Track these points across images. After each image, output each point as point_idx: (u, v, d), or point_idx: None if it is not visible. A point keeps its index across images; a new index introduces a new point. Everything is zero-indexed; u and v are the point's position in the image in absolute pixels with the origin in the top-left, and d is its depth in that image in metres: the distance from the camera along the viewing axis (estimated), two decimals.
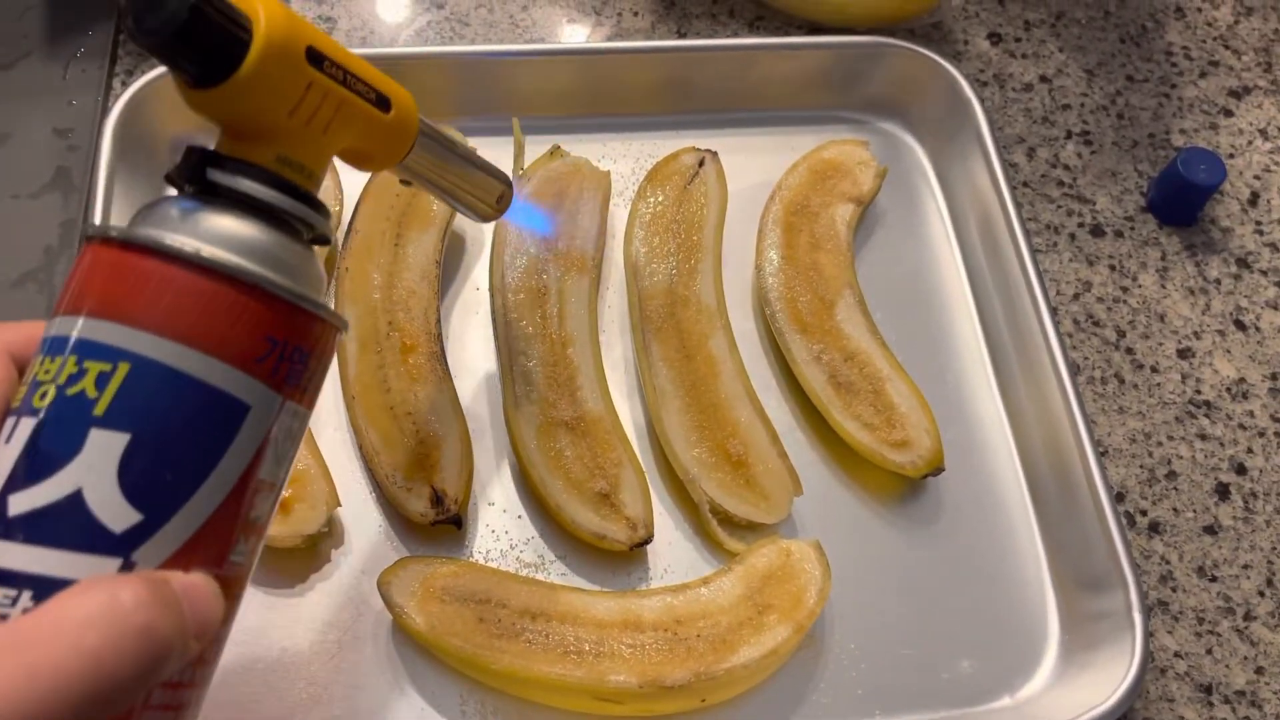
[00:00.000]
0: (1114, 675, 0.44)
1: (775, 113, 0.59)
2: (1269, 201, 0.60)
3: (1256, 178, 0.61)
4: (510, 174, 0.53)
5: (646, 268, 0.51)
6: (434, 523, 0.45)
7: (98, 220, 0.49)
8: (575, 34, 0.61)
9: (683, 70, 0.58)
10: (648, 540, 0.45)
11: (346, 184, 0.53)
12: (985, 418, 0.52)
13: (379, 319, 0.49)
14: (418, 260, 0.50)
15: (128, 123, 0.51)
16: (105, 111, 0.54)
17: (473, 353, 0.51)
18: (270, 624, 0.44)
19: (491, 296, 0.50)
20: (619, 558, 0.47)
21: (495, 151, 0.54)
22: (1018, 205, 0.54)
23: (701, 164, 0.54)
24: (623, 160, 0.57)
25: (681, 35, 0.62)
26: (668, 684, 0.42)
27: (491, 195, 0.43)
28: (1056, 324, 0.51)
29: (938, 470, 0.48)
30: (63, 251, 0.51)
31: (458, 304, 0.52)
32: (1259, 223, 0.59)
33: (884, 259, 0.56)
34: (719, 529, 0.47)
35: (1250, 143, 0.62)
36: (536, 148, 0.54)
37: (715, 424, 0.47)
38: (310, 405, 0.32)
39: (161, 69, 0.52)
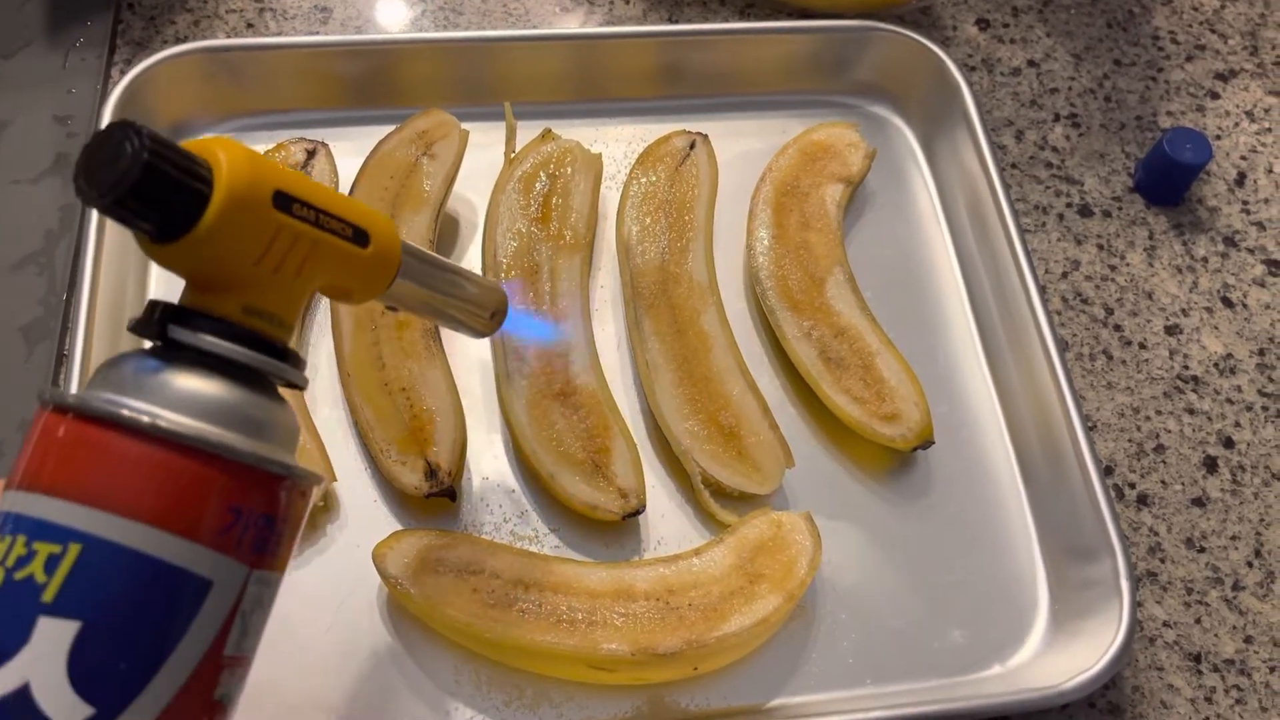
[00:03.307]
0: (1102, 642, 0.44)
1: (765, 97, 0.60)
2: (1255, 182, 0.60)
3: (1243, 158, 0.61)
4: (502, 158, 0.54)
5: (639, 246, 0.51)
6: (428, 495, 0.46)
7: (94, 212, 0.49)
8: (567, 21, 0.62)
9: (674, 55, 0.59)
10: (640, 510, 0.46)
11: (341, 167, 0.54)
12: (974, 394, 0.53)
13: None
14: (412, 239, 0.50)
15: (126, 110, 0.52)
16: (104, 99, 0.55)
17: None
18: None
19: (484, 273, 0.51)
20: (611, 530, 0.47)
21: (490, 136, 0.55)
22: (1006, 186, 0.54)
23: (693, 146, 0.54)
24: (614, 144, 0.58)
25: (673, 22, 0.62)
26: (660, 652, 0.42)
27: (485, 310, 0.40)
28: (1045, 302, 0.51)
29: (927, 443, 0.49)
30: (62, 235, 0.51)
31: None
32: (1245, 202, 0.60)
33: (874, 239, 0.56)
34: (711, 500, 0.47)
35: (1237, 124, 0.62)
36: (528, 132, 0.55)
37: (707, 397, 0.48)
38: (282, 568, 0.30)
39: (160, 54, 0.53)
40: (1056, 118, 0.62)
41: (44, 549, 0.26)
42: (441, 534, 0.45)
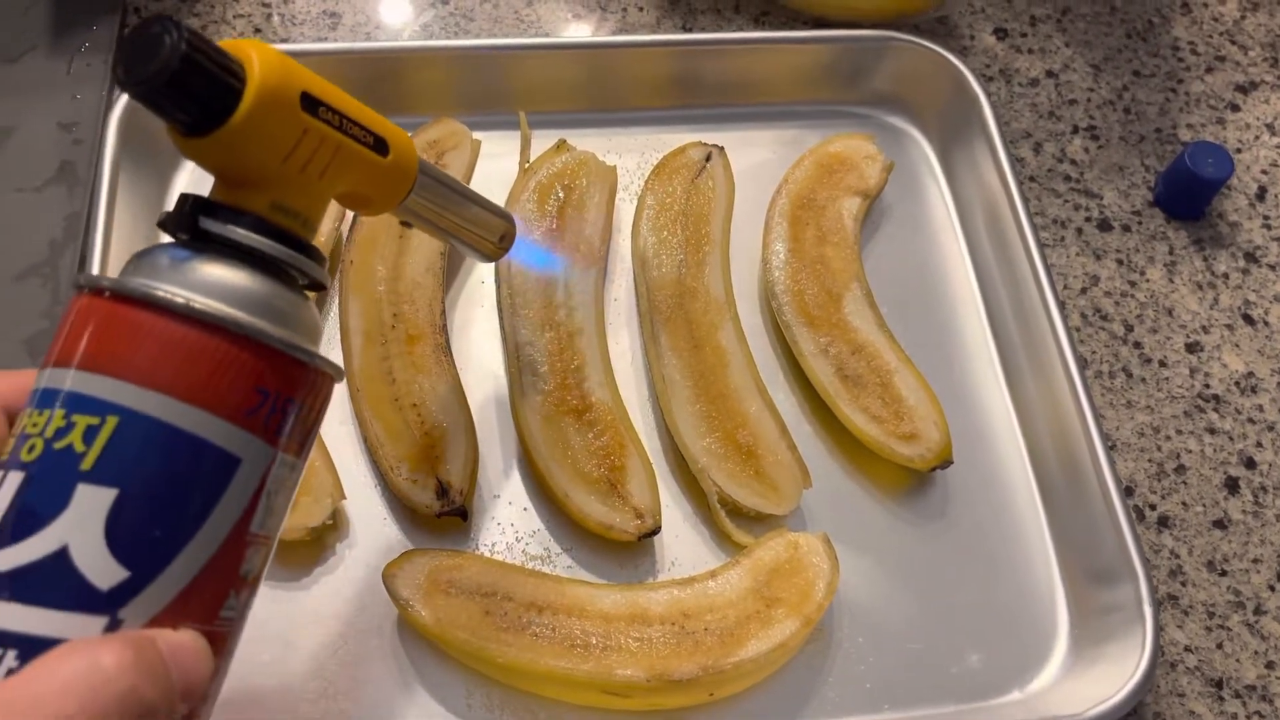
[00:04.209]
0: (1124, 669, 0.43)
1: (781, 107, 0.59)
2: (1277, 196, 0.60)
3: (1264, 172, 0.60)
4: (514, 168, 0.53)
5: (655, 259, 0.51)
6: (439, 514, 0.45)
7: (100, 215, 0.48)
8: (580, 30, 0.61)
9: (688, 65, 0.58)
10: (655, 530, 0.45)
11: None
12: (993, 411, 0.52)
13: (384, 311, 0.48)
14: (423, 253, 0.50)
15: (132, 117, 0.51)
16: (109, 106, 0.54)
17: (478, 346, 0.51)
18: (274, 616, 0.44)
19: (498, 286, 0.50)
20: (626, 550, 0.47)
21: (501, 145, 0.54)
22: (1025, 199, 0.54)
23: (709, 158, 0.54)
24: (628, 155, 0.57)
25: (687, 30, 0.61)
26: (675, 678, 0.41)
27: (494, 234, 0.42)
28: (1065, 318, 0.51)
29: (946, 463, 0.48)
30: (67, 244, 0.50)
31: (462, 297, 0.52)
32: (1267, 217, 0.59)
33: (891, 253, 0.56)
34: (727, 520, 0.46)
35: (1257, 137, 0.62)
36: (542, 142, 0.54)
37: (724, 414, 0.47)
38: (304, 456, 0.31)
39: None
40: (1075, 130, 0.61)
41: (82, 420, 0.27)
42: (453, 554, 0.44)
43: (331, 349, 0.49)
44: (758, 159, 0.57)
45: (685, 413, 0.47)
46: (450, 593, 0.43)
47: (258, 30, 0.59)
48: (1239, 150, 0.61)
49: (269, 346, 0.29)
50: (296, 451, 0.30)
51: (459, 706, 0.43)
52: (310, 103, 0.30)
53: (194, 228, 0.29)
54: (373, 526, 0.46)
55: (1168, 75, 0.63)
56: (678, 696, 0.42)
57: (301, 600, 0.44)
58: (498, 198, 0.52)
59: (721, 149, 0.54)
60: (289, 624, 0.44)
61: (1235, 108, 0.63)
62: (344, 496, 0.45)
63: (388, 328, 0.48)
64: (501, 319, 0.50)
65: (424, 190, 0.37)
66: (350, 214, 0.51)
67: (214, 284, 0.29)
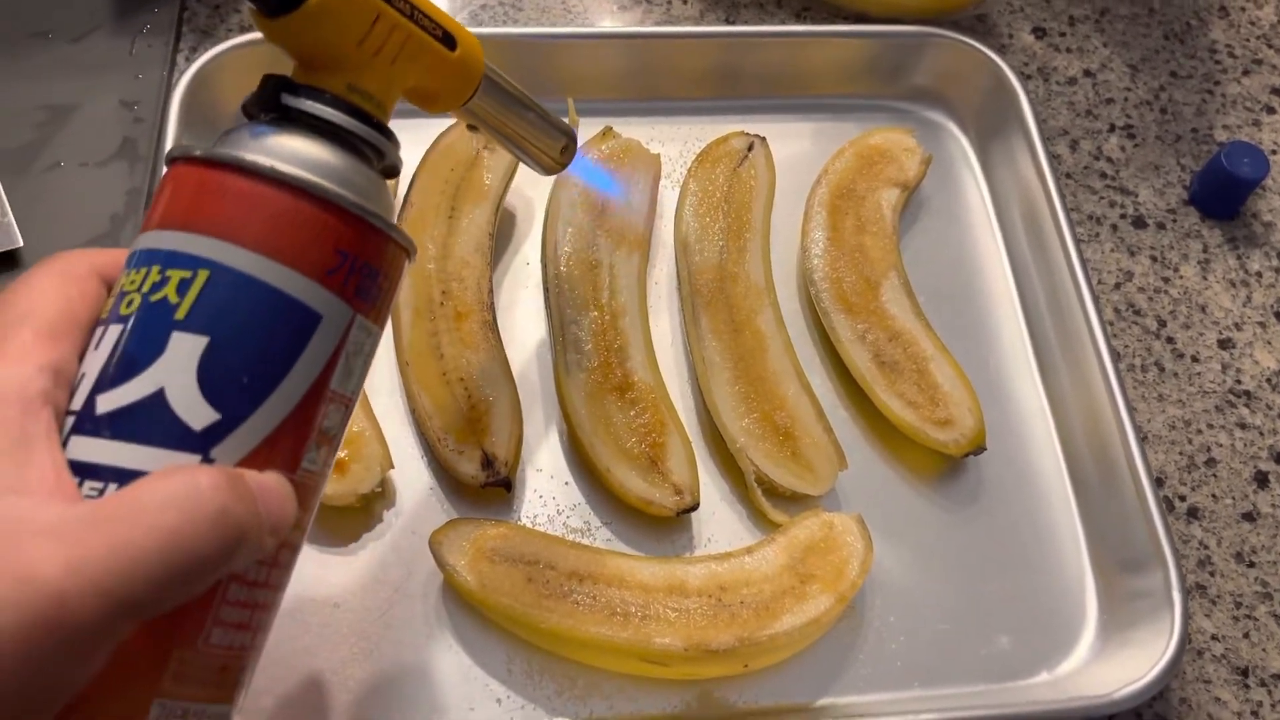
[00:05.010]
0: (1152, 653, 0.44)
1: (821, 100, 0.60)
2: None
3: None
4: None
5: (697, 244, 0.52)
6: (484, 485, 0.46)
7: None
8: (624, 21, 0.62)
9: (732, 56, 0.59)
10: (694, 507, 0.46)
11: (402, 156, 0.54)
12: (1026, 401, 0.53)
13: (433, 288, 0.50)
14: (471, 232, 0.51)
15: (193, 96, 0.53)
16: (170, 85, 0.55)
17: (522, 324, 0.52)
18: (323, 580, 0.45)
19: (544, 267, 0.51)
20: (663, 526, 0.48)
21: None
22: (1061, 195, 0.54)
23: (751, 148, 0.55)
24: (670, 143, 0.58)
25: (729, 23, 0.63)
26: (712, 648, 0.43)
27: (555, 147, 0.44)
28: (1099, 312, 0.51)
29: (979, 449, 0.49)
30: (128, 218, 0.52)
31: (507, 277, 0.53)
32: None
33: (928, 245, 0.57)
34: (763, 499, 0.47)
35: None
36: (586, 129, 0.55)
37: (763, 396, 0.48)
38: (380, 324, 0.33)
39: (227, 44, 0.54)
40: (1112, 128, 0.62)
41: (176, 274, 0.29)
42: (497, 524, 0.45)
43: None
44: (798, 150, 0.58)
45: (725, 394, 0.49)
46: (495, 560, 0.44)
47: None
48: (1274, 152, 0.62)
49: (348, 211, 0.30)
50: (373, 317, 0.32)
51: (500, 672, 0.44)
52: None
53: (277, 104, 0.31)
54: (419, 496, 0.48)
55: (1204, 77, 0.64)
56: (714, 666, 0.43)
57: (350, 565, 0.46)
58: (542, 182, 0.54)
59: (763, 139, 0.55)
60: (338, 588, 0.45)
61: (1271, 110, 0.63)
62: (392, 465, 0.47)
63: (437, 304, 0.49)
64: (547, 298, 0.51)
65: (489, 92, 0.38)
66: (400, 195, 0.53)
67: (297, 153, 0.31)
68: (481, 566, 0.44)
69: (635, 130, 0.56)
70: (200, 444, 0.28)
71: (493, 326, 0.49)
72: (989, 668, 0.46)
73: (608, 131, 0.55)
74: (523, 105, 0.41)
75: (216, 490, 0.26)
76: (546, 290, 0.51)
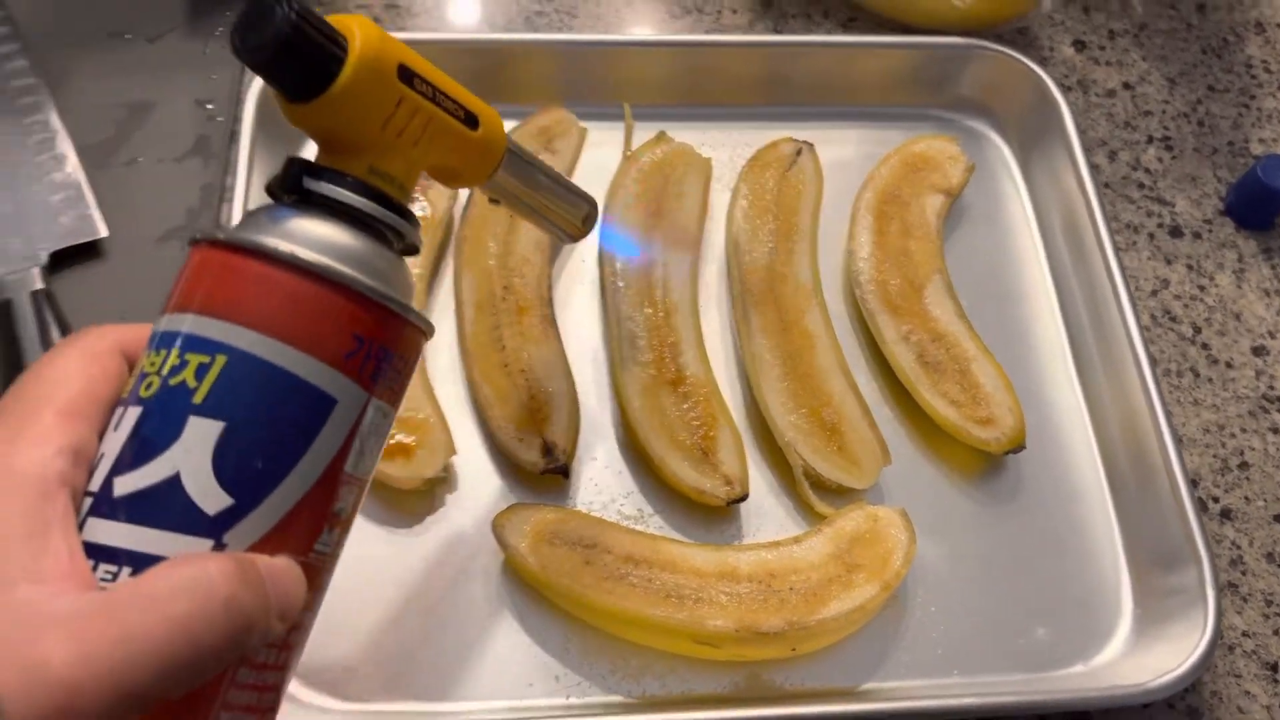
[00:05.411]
0: (1185, 647, 0.46)
1: (867, 108, 0.62)
2: None
3: None
4: (618, 156, 0.57)
5: (748, 246, 0.54)
6: (543, 471, 0.48)
7: (239, 187, 0.52)
8: (677, 29, 0.65)
9: (780, 65, 0.61)
10: (744, 497, 0.48)
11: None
12: (1064, 403, 0.54)
13: (495, 283, 0.52)
14: (532, 231, 0.53)
15: (266, 101, 0.55)
16: (244, 85, 0.58)
17: (578, 320, 0.54)
18: (390, 560, 0.47)
19: (600, 265, 0.53)
20: (712, 515, 0.50)
21: (604, 134, 0.58)
22: (1101, 204, 0.56)
23: (799, 153, 0.57)
24: (720, 148, 0.60)
25: (777, 33, 0.65)
26: (762, 630, 0.44)
27: (578, 215, 0.44)
28: (1137, 318, 0.53)
29: (1019, 448, 0.51)
30: (203, 211, 0.55)
31: (564, 274, 0.55)
32: None
33: (970, 250, 0.58)
34: (810, 491, 0.49)
35: None
36: (642, 133, 0.57)
37: (810, 393, 0.50)
38: (395, 405, 0.33)
39: None
40: (1150, 139, 0.63)
41: (195, 359, 0.29)
42: (556, 509, 0.48)
43: (445, 318, 0.53)
44: (844, 156, 0.60)
45: (774, 390, 0.50)
46: (554, 543, 0.46)
47: (377, 20, 0.63)
48: None
49: (366, 296, 0.31)
50: (389, 399, 0.32)
51: (557, 650, 0.46)
52: (406, 74, 0.33)
53: (299, 188, 0.32)
54: (479, 481, 0.50)
55: (1241, 91, 0.66)
56: (763, 649, 0.45)
57: (415, 546, 0.48)
58: (601, 183, 0.56)
59: (811, 145, 0.57)
60: (404, 567, 0.47)
61: None
62: (455, 452, 0.49)
63: (498, 299, 0.52)
64: (603, 295, 0.53)
65: (511, 167, 0.39)
66: (464, 193, 0.55)
67: (316, 238, 0.31)
68: (542, 549, 0.46)
69: (687, 135, 0.58)
70: (214, 529, 0.28)
71: (552, 321, 0.52)
72: (1026, 658, 0.48)
73: (661, 136, 0.57)
74: (546, 177, 0.42)
75: (227, 580, 0.27)
76: (603, 288, 0.53)
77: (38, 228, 0.52)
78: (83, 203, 0.53)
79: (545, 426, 0.49)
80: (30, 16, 0.58)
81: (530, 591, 0.47)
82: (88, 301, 0.51)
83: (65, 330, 0.49)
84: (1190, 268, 0.59)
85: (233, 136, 0.56)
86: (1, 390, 0.31)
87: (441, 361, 0.52)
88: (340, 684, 0.45)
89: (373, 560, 0.47)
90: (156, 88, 0.58)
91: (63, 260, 0.52)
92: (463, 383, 0.52)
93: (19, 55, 0.57)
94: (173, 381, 0.29)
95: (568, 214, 0.44)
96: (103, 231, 0.53)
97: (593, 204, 0.45)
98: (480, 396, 0.50)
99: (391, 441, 0.47)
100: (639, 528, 0.49)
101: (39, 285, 0.50)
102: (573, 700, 0.45)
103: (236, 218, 0.51)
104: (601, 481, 0.50)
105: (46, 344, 0.48)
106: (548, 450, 0.48)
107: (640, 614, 0.45)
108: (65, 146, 0.55)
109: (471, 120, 0.36)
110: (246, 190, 0.52)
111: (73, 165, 0.54)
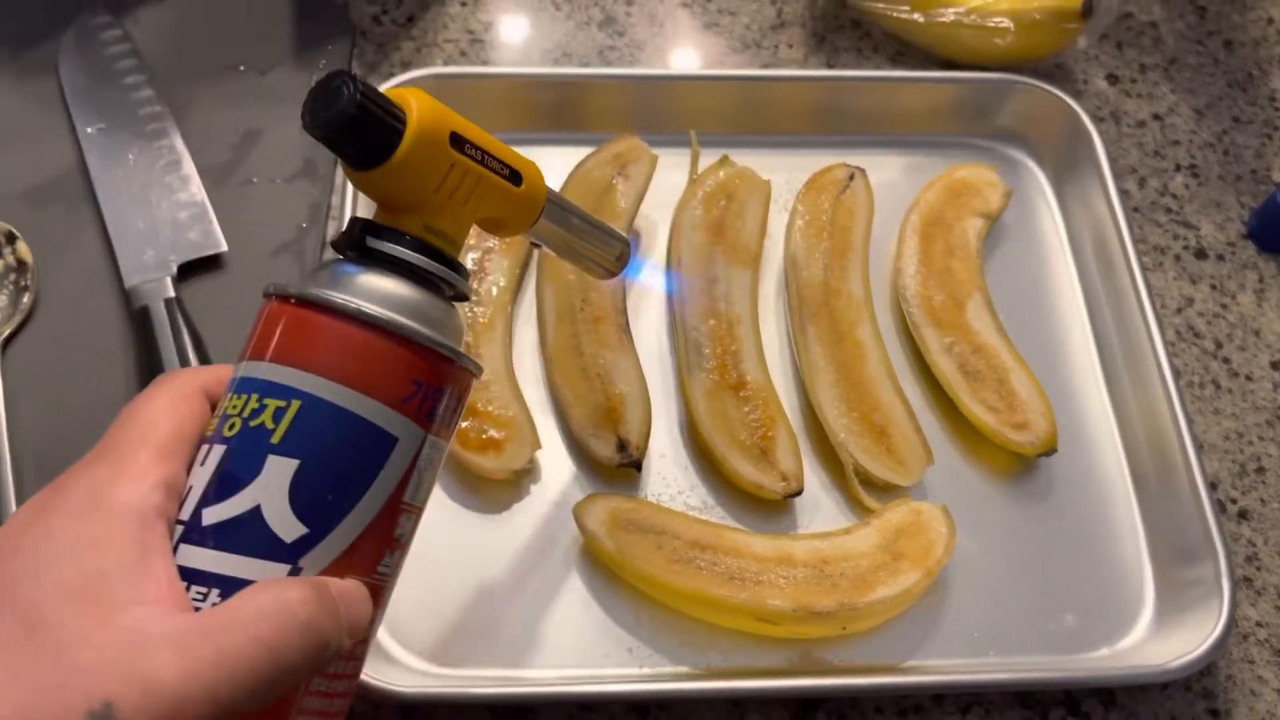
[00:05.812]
0: (1203, 633, 0.50)
1: (913, 137, 0.67)
2: None
3: None
4: (684, 180, 0.62)
5: (804, 262, 0.59)
6: (618, 465, 0.54)
7: (345, 205, 0.58)
8: (737, 64, 0.70)
9: (833, 97, 0.66)
10: (798, 492, 0.53)
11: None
12: (1093, 410, 0.59)
13: (574, 296, 0.57)
14: None
15: None
16: None
17: (649, 329, 0.59)
18: (481, 543, 0.53)
19: (668, 279, 0.59)
20: (770, 508, 0.55)
21: (673, 159, 0.63)
22: (1130, 227, 0.61)
23: (852, 178, 0.62)
24: (778, 172, 0.65)
25: (830, 67, 0.70)
26: (817, 610, 0.49)
27: (611, 254, 0.48)
28: (1162, 333, 0.58)
29: (1051, 451, 0.55)
30: (312, 228, 0.60)
31: (636, 287, 0.61)
32: None
33: (1007, 270, 0.63)
34: (860, 488, 0.54)
35: None
36: (707, 158, 0.63)
37: (861, 398, 0.55)
38: (448, 439, 0.36)
39: (395, 80, 0.62)
40: (1177, 167, 0.68)
41: (272, 403, 0.33)
42: (629, 498, 0.53)
43: (529, 327, 0.59)
44: (891, 180, 0.65)
45: (828, 395, 0.56)
46: (629, 529, 0.51)
47: (463, 54, 0.68)
48: None
49: (423, 345, 0.34)
50: (443, 435, 0.35)
51: (630, 624, 0.51)
52: (457, 141, 0.36)
53: (362, 245, 0.35)
54: (559, 473, 0.55)
55: (1264, 123, 0.70)
56: (817, 627, 0.50)
57: (502, 530, 0.53)
58: (668, 205, 0.61)
59: (863, 170, 0.62)
60: (493, 549, 0.53)
61: None
62: (540, 446, 0.54)
63: (577, 310, 0.57)
64: (671, 307, 0.58)
65: (551, 215, 0.42)
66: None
67: (379, 292, 0.34)
68: (618, 534, 0.51)
69: (748, 159, 0.63)
70: (290, 555, 0.32)
71: (626, 330, 0.57)
72: (1056, 641, 0.53)
73: (724, 160, 0.62)
74: (583, 222, 0.45)
75: (304, 604, 0.30)
76: (670, 300, 0.59)
77: (167, 241, 0.58)
78: (206, 219, 0.59)
79: (619, 425, 0.54)
80: (155, 51, 0.65)
81: (606, 572, 0.52)
82: (210, 309, 0.57)
83: (194, 335, 0.55)
84: (1213, 287, 0.64)
85: (336, 160, 0.62)
86: (145, 381, 0.35)
87: (526, 366, 0.58)
88: (438, 651, 0.50)
89: (465, 543, 0.53)
90: (267, 115, 0.64)
91: (188, 271, 0.58)
92: (545, 385, 0.57)
93: (146, 85, 0.63)
94: (253, 424, 0.33)
95: (603, 254, 0.48)
96: (224, 245, 0.59)
97: (626, 243, 0.49)
98: (561, 397, 0.56)
99: (484, 437, 0.53)
100: (704, 517, 0.54)
101: (171, 293, 0.56)
102: (645, 670, 0.50)
103: None
104: (669, 475, 0.56)
105: (179, 347, 0.54)
106: (622, 446, 0.54)
107: (706, 593, 0.50)
108: (189, 168, 0.61)
109: (516, 177, 0.39)
110: (351, 208, 0.58)
111: (196, 185, 0.60)
